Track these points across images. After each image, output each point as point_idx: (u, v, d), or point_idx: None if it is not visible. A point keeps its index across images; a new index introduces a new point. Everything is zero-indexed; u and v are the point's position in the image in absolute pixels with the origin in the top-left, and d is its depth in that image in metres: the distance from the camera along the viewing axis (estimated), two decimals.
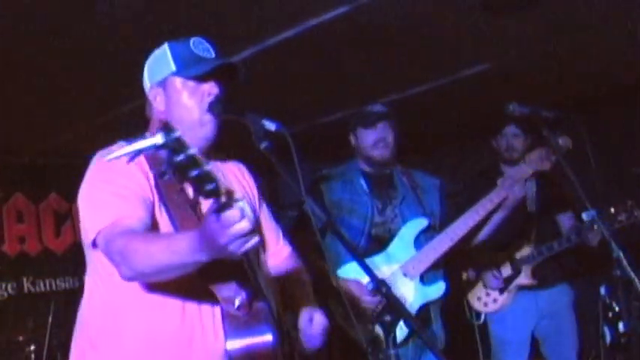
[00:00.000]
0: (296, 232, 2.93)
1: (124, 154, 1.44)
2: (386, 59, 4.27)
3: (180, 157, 1.41)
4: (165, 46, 2.04)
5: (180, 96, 1.99)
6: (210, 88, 1.99)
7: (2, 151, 5.35)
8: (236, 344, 1.76)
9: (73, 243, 5.78)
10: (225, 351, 1.81)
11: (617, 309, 4.20)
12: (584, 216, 3.53)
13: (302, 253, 2.43)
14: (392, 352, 2.18)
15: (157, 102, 2.04)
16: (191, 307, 1.90)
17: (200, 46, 2.02)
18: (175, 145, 1.41)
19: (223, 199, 1.46)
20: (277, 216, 2.36)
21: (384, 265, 3.17)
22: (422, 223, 3.25)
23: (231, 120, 1.98)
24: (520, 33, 4.01)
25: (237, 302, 1.78)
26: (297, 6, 3.41)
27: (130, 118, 2.10)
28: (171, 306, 1.89)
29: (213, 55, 2.03)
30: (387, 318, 2.20)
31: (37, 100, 4.33)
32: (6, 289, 5.47)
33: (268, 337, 1.77)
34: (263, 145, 1.86)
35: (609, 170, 4.69)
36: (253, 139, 1.88)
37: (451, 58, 4.37)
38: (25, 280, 5.57)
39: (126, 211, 1.80)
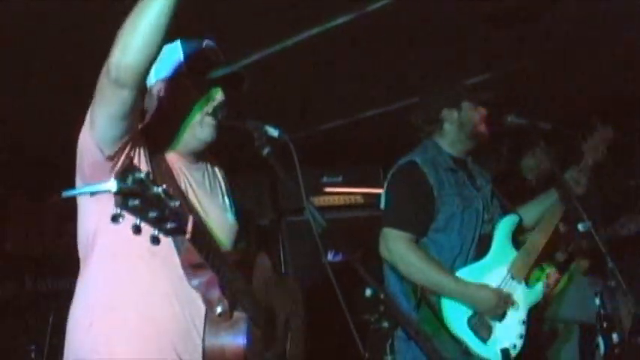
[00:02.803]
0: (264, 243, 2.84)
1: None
2: (388, 68, 4.31)
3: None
4: (178, 43, 2.01)
5: (185, 95, 1.99)
6: (216, 92, 2.00)
7: (6, 149, 5.37)
8: (211, 342, 1.84)
9: (76, 243, 5.78)
10: (203, 348, 1.84)
11: (611, 320, 4.21)
12: (580, 227, 3.53)
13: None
14: (389, 358, 2.18)
15: (161, 96, 2.02)
16: (179, 302, 1.88)
17: (212, 50, 2.03)
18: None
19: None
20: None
21: (493, 269, 2.87)
22: (515, 219, 3.00)
23: (233, 125, 2.00)
24: (521, 45, 4.05)
25: (218, 309, 1.83)
26: (299, 14, 3.46)
27: None
28: (164, 299, 1.88)
29: (223, 61, 2.05)
30: (385, 325, 2.18)
31: (42, 98, 4.37)
32: (8, 287, 5.51)
33: (241, 341, 1.84)
34: (265, 151, 1.90)
35: (607, 182, 4.71)
36: (255, 145, 1.91)
37: (453, 68, 4.41)
38: (26, 279, 5.60)
39: None
